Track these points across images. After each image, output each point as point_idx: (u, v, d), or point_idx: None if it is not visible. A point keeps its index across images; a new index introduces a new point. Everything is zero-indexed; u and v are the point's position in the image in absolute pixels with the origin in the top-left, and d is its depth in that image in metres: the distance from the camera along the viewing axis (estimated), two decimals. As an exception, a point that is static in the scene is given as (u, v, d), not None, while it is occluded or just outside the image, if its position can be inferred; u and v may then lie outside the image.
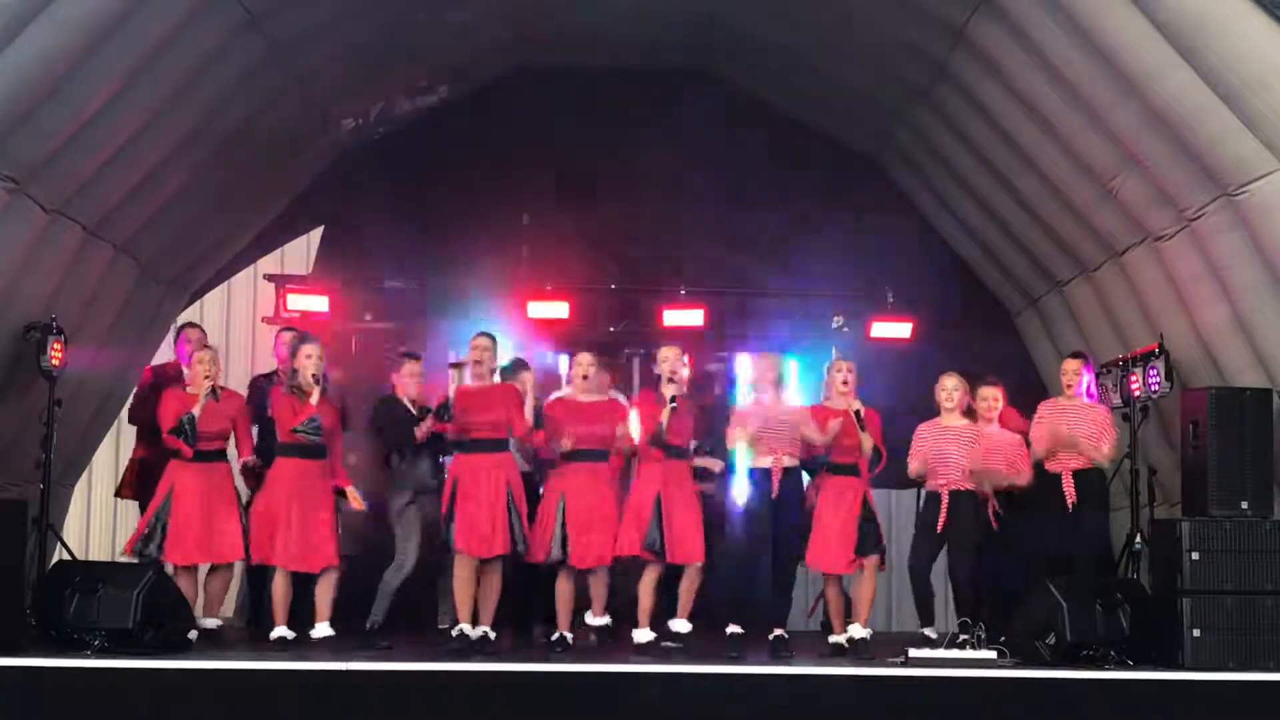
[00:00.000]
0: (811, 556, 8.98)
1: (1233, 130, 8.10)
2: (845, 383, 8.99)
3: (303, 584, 8.79)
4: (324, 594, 8.73)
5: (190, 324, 10.04)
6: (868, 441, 8.87)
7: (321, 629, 8.69)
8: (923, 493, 9.43)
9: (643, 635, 8.69)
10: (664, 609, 8.84)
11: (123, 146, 8.75)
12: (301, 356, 8.83)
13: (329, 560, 8.69)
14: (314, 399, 8.71)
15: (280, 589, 8.70)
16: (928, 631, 9.18)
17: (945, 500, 9.14)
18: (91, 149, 8.56)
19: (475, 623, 8.60)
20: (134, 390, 10.29)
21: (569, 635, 8.85)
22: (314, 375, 8.75)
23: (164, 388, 9.25)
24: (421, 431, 9.03)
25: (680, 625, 8.76)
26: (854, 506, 8.90)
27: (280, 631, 8.66)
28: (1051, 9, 8.55)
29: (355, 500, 8.98)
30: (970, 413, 9.43)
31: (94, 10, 7.86)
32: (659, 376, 8.85)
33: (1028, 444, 9.43)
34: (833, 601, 9.21)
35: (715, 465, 9.13)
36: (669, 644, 8.78)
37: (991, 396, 9.49)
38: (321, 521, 8.71)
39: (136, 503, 9.77)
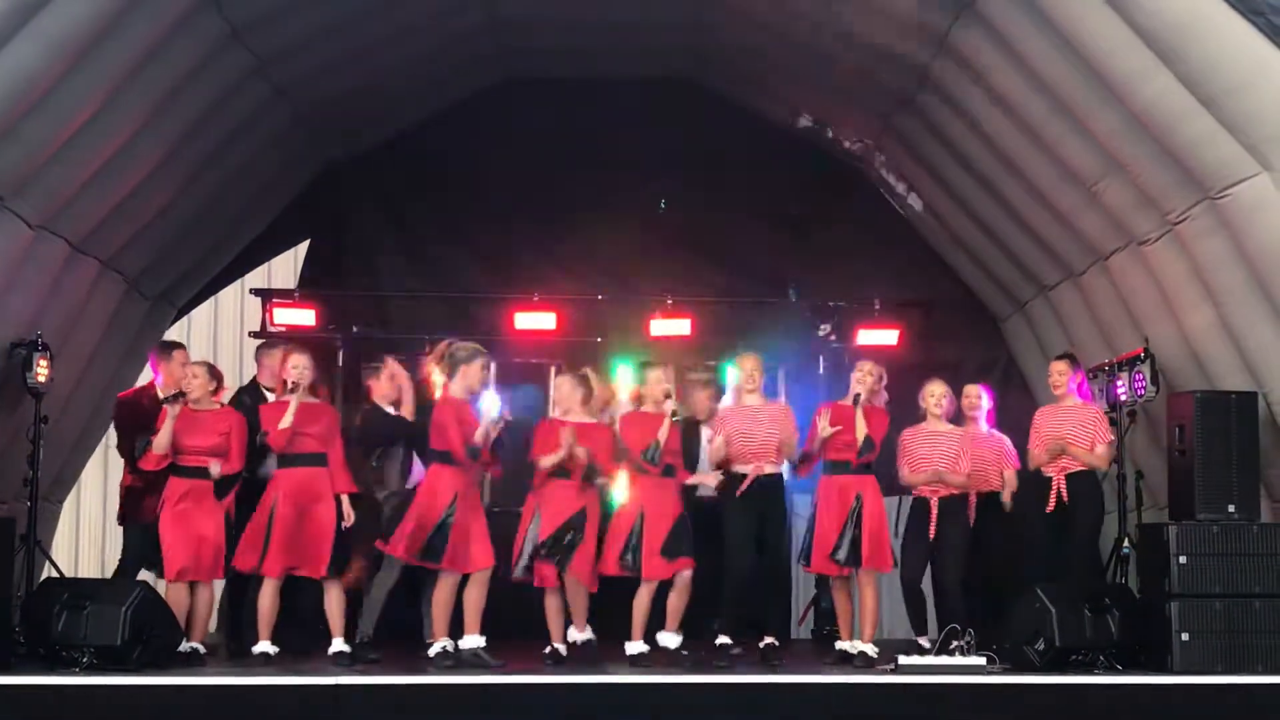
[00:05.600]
0: (816, 560, 8.90)
1: (1214, 134, 8.12)
2: (860, 381, 8.97)
3: (289, 597, 8.71)
4: (333, 609, 8.57)
5: (174, 343, 9.79)
6: (861, 429, 8.80)
7: (337, 644, 8.52)
8: (905, 500, 9.36)
9: (635, 648, 8.70)
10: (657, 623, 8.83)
11: (107, 161, 8.74)
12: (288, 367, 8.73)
13: (321, 572, 8.53)
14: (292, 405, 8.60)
15: (266, 601, 8.55)
16: (922, 640, 9.14)
17: (935, 507, 9.13)
18: (76, 164, 8.55)
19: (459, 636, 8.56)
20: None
21: (561, 648, 8.81)
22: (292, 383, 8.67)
23: (137, 417, 9.12)
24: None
25: (668, 639, 8.74)
26: (850, 504, 8.78)
27: (263, 647, 8.53)
28: (1033, 15, 8.57)
29: (346, 512, 8.63)
30: (956, 417, 9.45)
31: (76, 25, 7.86)
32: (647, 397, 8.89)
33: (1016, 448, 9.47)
34: (841, 608, 9.15)
35: (711, 479, 9.08)
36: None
37: (975, 394, 9.56)
38: (319, 531, 8.52)
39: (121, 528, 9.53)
